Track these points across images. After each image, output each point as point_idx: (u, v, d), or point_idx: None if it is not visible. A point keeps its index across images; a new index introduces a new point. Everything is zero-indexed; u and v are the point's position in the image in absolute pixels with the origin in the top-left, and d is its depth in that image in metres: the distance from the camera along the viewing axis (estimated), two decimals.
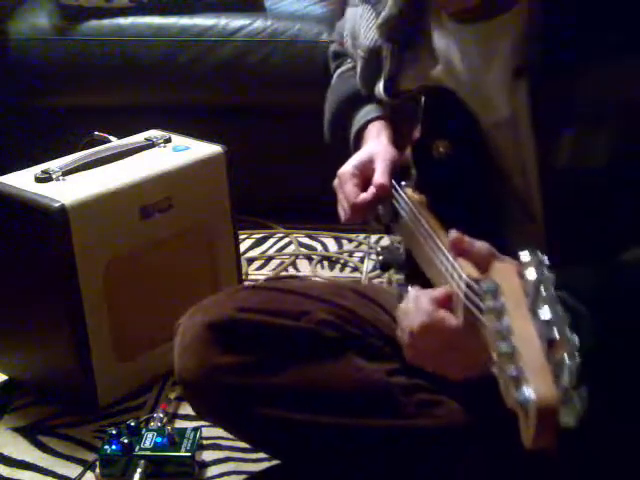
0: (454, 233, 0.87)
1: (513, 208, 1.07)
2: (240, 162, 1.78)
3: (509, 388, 0.64)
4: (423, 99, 1.09)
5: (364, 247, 2.21)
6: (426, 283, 1.00)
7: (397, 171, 1.19)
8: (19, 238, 1.56)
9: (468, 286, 0.81)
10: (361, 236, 2.25)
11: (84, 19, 2.27)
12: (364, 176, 1.19)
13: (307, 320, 1.20)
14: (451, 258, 0.87)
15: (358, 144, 1.28)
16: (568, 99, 0.97)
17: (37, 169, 1.61)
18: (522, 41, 0.99)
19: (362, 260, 2.15)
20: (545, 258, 0.71)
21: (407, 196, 1.12)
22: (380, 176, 1.16)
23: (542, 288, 0.68)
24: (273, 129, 2.31)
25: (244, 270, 2.05)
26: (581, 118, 0.96)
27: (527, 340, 0.65)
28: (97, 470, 1.45)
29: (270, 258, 2.18)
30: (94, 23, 2.26)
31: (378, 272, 1.45)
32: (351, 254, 2.20)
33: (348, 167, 1.20)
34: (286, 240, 2.26)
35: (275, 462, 1.42)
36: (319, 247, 2.23)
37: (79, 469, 1.47)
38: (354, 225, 2.25)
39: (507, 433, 1.12)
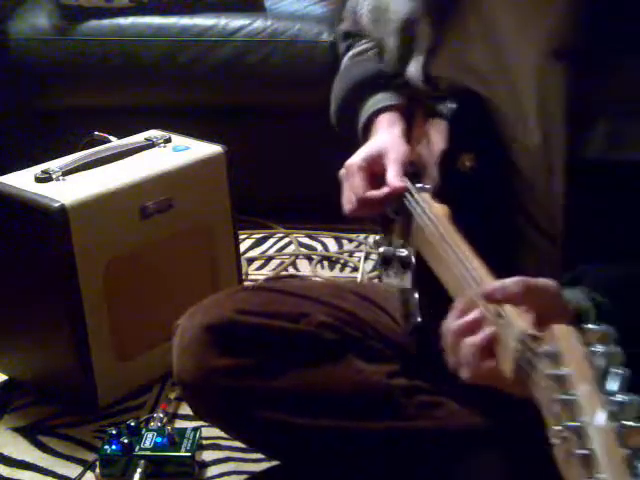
0: (482, 290, 0.83)
1: (529, 228, 1.05)
2: (240, 162, 1.78)
3: (573, 466, 0.60)
4: (451, 106, 1.06)
5: (364, 247, 2.21)
6: (434, 286, 0.99)
7: (408, 168, 1.16)
8: (19, 238, 1.56)
9: (522, 342, 0.75)
10: (361, 236, 2.25)
11: (84, 19, 2.26)
12: (373, 170, 1.16)
13: (306, 322, 1.20)
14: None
15: (367, 133, 1.24)
16: (607, 86, 0.94)
17: (37, 169, 1.61)
18: (562, 23, 0.96)
19: (362, 260, 2.15)
20: (611, 329, 0.68)
21: (426, 203, 1.08)
22: (395, 177, 1.13)
23: (613, 367, 0.64)
24: (273, 129, 2.31)
25: (244, 270, 2.05)
26: (618, 106, 0.94)
27: (597, 420, 0.60)
28: (97, 470, 1.45)
29: (270, 258, 2.18)
30: (94, 23, 2.26)
31: (378, 269, 1.39)
32: (351, 254, 2.20)
33: (357, 159, 1.17)
34: (286, 240, 2.26)
35: (275, 462, 1.42)
36: (319, 247, 2.23)
37: (79, 469, 1.47)
38: (354, 225, 2.26)
39: (507, 434, 1.12)
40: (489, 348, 0.81)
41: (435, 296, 1.08)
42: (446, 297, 0.98)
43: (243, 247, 2.18)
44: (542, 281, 0.83)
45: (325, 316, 1.20)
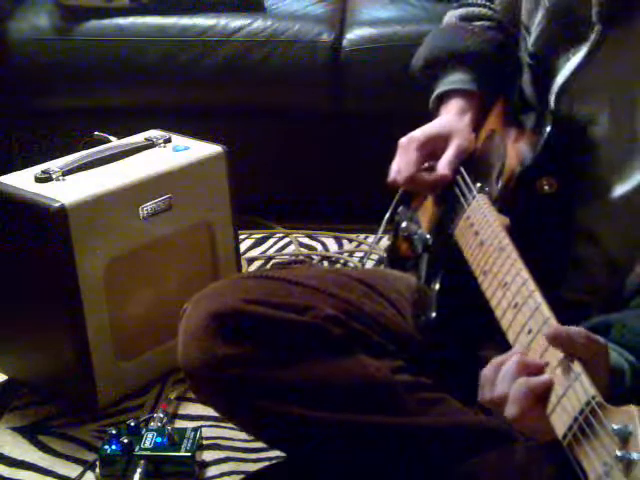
0: (548, 332, 0.81)
1: (594, 256, 1.06)
2: (240, 162, 1.78)
3: None
4: (548, 130, 1.04)
5: (364, 247, 2.21)
6: (457, 285, 0.98)
7: (465, 159, 1.17)
8: (19, 238, 1.56)
9: (591, 408, 0.72)
10: (361, 236, 2.25)
11: (84, 19, 2.26)
12: (434, 148, 1.18)
13: (313, 315, 1.18)
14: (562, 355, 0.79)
15: (438, 105, 1.26)
16: None
17: (37, 169, 1.61)
18: None
19: (365, 259, 2.15)
20: None
21: (486, 207, 1.07)
22: (447, 165, 1.15)
23: None
24: (273, 129, 2.31)
25: (244, 270, 2.05)
26: None
27: None
28: (97, 470, 1.45)
29: (270, 258, 2.18)
30: (94, 23, 2.26)
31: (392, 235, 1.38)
32: (351, 254, 2.20)
33: (420, 135, 1.18)
34: (286, 240, 2.26)
35: (275, 462, 1.42)
36: (319, 247, 2.23)
37: (79, 469, 1.47)
38: (354, 225, 2.26)
39: (509, 432, 1.12)
40: (545, 395, 0.79)
41: (455, 295, 1.08)
42: (467, 298, 0.97)
43: (243, 247, 2.18)
44: (602, 340, 0.82)
45: (331, 309, 1.19)
